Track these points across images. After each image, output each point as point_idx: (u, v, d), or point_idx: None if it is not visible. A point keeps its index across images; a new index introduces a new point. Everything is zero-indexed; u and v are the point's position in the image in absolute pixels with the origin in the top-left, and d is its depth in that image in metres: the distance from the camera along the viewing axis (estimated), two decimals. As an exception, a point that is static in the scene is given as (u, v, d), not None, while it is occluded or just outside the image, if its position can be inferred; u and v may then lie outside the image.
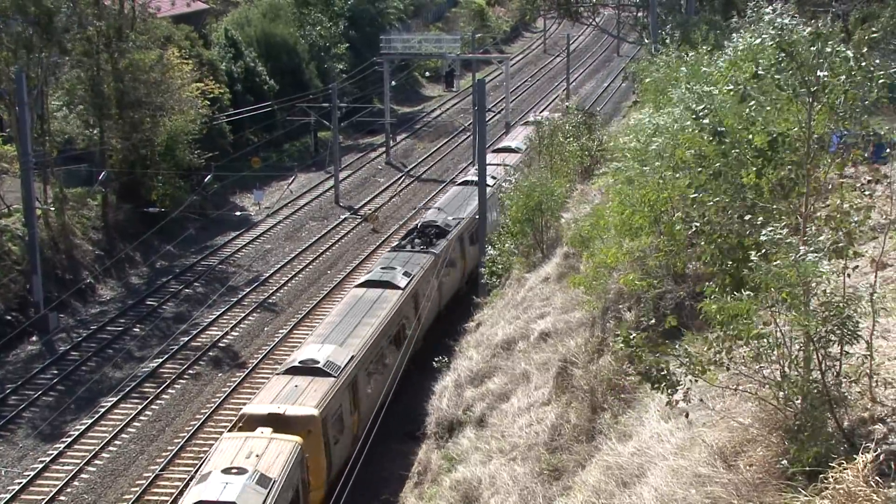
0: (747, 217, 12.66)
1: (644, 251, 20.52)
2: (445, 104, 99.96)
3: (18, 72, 48.35)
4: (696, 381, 12.18)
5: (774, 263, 11.44)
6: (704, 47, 25.66)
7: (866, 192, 12.21)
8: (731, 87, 13.38)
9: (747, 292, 11.69)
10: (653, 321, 16.61)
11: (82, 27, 55.36)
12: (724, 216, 12.89)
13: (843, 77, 12.06)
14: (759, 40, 12.93)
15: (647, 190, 19.43)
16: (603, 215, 23.16)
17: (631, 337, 12.90)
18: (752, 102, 12.74)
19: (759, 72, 12.61)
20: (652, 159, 19.29)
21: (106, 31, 57.20)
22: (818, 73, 12.05)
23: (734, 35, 15.89)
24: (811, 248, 11.50)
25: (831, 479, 10.55)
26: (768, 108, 12.71)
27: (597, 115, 53.77)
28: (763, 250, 11.89)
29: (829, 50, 12.13)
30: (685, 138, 15.80)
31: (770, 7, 13.52)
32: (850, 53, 12.20)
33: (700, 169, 14.21)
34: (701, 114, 13.47)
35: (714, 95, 14.42)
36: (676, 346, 12.47)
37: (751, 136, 12.59)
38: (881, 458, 10.78)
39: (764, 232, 11.83)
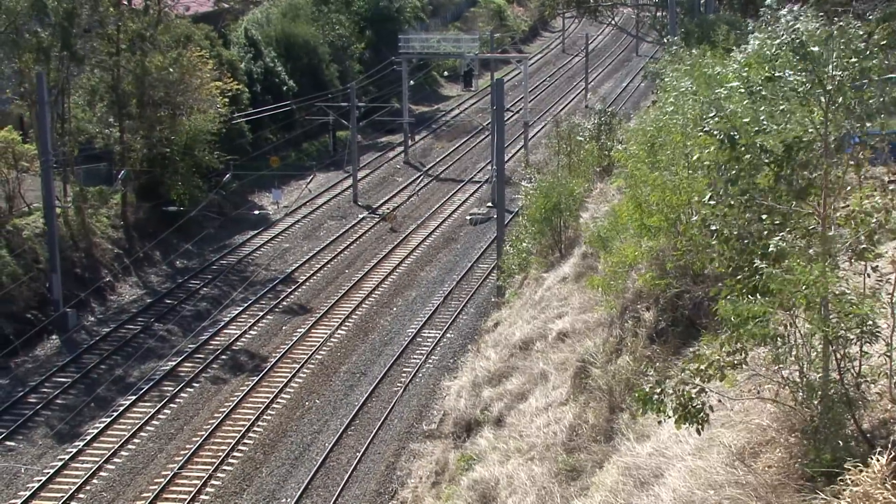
0: (764, 217, 12.59)
1: (662, 251, 20.46)
2: (464, 104, 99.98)
3: (38, 72, 48.62)
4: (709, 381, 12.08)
5: (786, 268, 11.37)
6: (722, 48, 25.59)
7: (890, 191, 12.10)
8: (740, 84, 13.29)
9: (763, 295, 11.60)
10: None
11: (103, 26, 55.62)
12: (742, 217, 12.80)
13: (859, 74, 11.97)
14: (776, 41, 12.86)
15: (665, 191, 19.38)
16: (621, 215, 23.11)
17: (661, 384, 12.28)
18: (763, 107, 12.67)
19: (776, 74, 12.52)
20: (665, 161, 19.24)
21: (128, 31, 57.47)
22: (834, 72, 11.97)
23: (749, 37, 15.78)
24: (830, 249, 11.44)
25: (848, 482, 10.47)
26: (783, 106, 12.63)
27: (617, 114, 53.60)
28: (774, 256, 11.79)
29: (849, 48, 12.05)
30: (698, 141, 15.73)
31: (786, 9, 13.44)
32: (861, 46, 12.11)
33: (711, 174, 14.11)
34: (711, 123, 13.36)
35: (724, 99, 14.32)
36: (689, 354, 12.36)
37: (764, 142, 12.51)
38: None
39: (774, 240, 11.77)
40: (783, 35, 12.47)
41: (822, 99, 12.04)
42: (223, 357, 45.70)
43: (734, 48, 23.49)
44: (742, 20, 48.13)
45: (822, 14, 14.01)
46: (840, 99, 12.02)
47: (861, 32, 12.37)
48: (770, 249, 11.73)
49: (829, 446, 11.22)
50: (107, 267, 54.06)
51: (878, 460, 10.53)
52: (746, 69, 13.53)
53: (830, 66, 12.02)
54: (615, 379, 19.75)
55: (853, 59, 11.98)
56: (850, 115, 12.23)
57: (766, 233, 12.19)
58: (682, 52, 29.92)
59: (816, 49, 12.14)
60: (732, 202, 12.80)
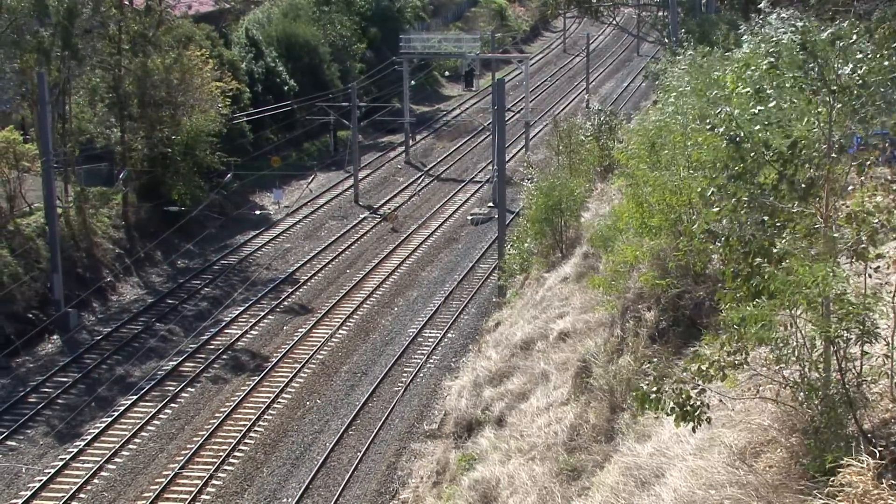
0: (766, 218, 12.57)
1: (664, 250, 20.45)
2: (465, 104, 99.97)
3: (39, 73, 48.66)
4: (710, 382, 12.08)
5: (787, 268, 11.36)
6: (720, 48, 25.57)
7: (892, 190, 12.07)
8: (748, 87, 13.25)
9: (765, 298, 11.59)
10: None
11: (105, 27, 55.65)
12: (744, 216, 12.79)
13: (864, 73, 11.96)
14: (774, 40, 12.84)
15: (665, 191, 19.38)
16: (622, 215, 23.11)
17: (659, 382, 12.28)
18: (772, 103, 12.64)
19: (774, 62, 12.49)
20: (665, 162, 19.23)
21: (130, 32, 57.51)
22: (839, 71, 11.96)
23: (743, 38, 15.77)
24: (832, 250, 11.43)
25: (842, 481, 10.47)
26: (786, 105, 12.61)
27: (618, 114, 53.55)
28: (777, 257, 11.79)
29: (852, 50, 12.03)
30: (699, 139, 15.70)
31: (776, 13, 13.44)
32: (866, 47, 12.10)
33: (715, 174, 14.10)
34: (716, 121, 13.34)
35: (728, 98, 14.30)
36: (689, 354, 12.34)
37: (769, 139, 12.48)
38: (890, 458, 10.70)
39: (779, 243, 11.76)
40: (786, 33, 12.46)
41: (828, 98, 12.04)
42: (224, 357, 45.70)
43: (733, 48, 23.51)
44: (742, 20, 48.12)
45: (827, 16, 14.03)
46: (845, 99, 12.02)
47: (864, 33, 12.36)
48: (776, 250, 11.71)
49: (830, 446, 11.22)
50: (108, 267, 54.07)
51: (869, 459, 10.54)
52: (746, 67, 13.51)
53: (836, 66, 12.02)
54: (616, 379, 19.75)
55: (860, 60, 11.96)
56: (853, 115, 12.22)
57: (768, 234, 12.17)
58: (682, 52, 29.91)
59: (824, 43, 12.13)
60: (735, 200, 12.79)
